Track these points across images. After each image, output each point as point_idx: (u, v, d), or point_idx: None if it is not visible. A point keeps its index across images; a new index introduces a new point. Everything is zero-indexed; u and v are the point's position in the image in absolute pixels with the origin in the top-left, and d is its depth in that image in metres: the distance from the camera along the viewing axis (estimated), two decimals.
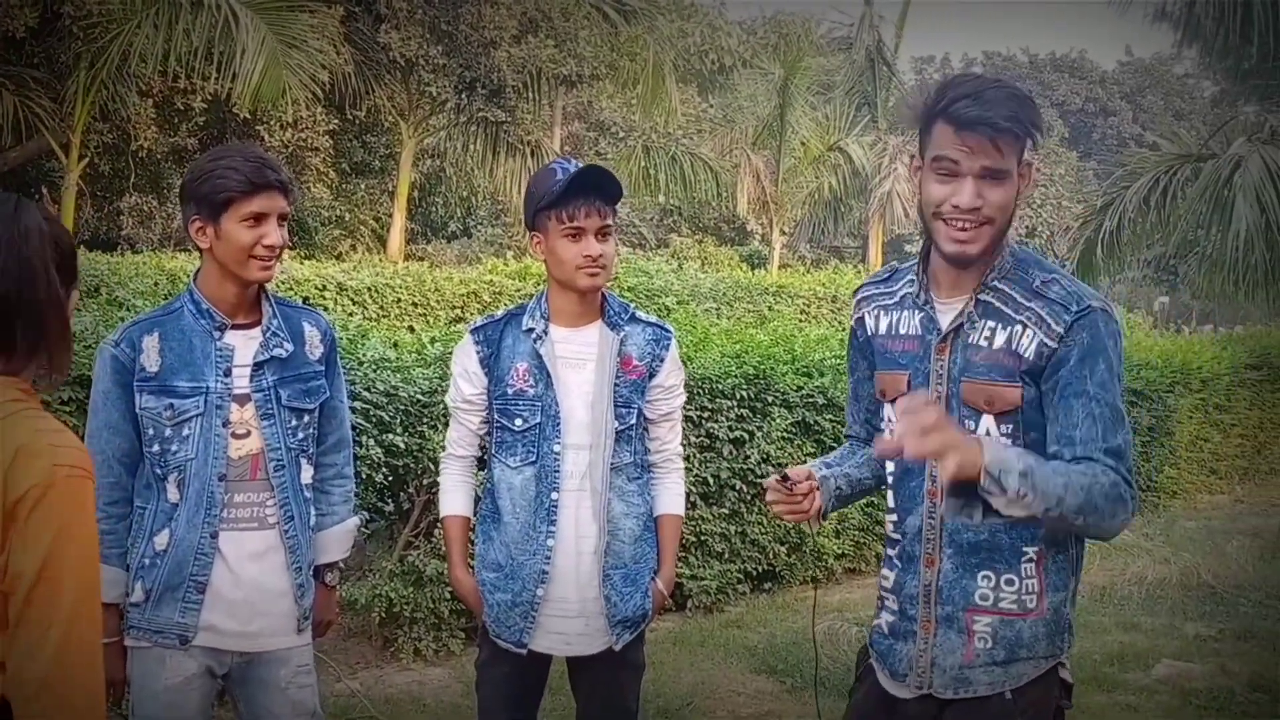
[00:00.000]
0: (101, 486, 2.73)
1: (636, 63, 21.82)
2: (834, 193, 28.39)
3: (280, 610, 3.10)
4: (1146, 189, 13.36)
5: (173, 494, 3.01)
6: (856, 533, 7.95)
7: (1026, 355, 2.49)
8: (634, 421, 3.36)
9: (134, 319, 3.14)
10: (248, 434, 3.05)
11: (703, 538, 7.02)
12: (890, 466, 2.72)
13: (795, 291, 19.75)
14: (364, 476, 5.54)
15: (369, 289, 14.49)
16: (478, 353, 3.39)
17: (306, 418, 3.15)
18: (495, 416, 3.38)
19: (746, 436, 7.19)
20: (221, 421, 3.02)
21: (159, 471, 3.02)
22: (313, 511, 3.21)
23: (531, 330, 3.34)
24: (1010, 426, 2.53)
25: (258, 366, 3.07)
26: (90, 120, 16.25)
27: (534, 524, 3.31)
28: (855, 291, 2.90)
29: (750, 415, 7.24)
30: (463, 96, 20.89)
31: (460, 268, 18.80)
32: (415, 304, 14.83)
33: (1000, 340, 2.52)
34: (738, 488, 7.14)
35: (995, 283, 2.55)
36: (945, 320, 2.59)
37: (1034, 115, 2.49)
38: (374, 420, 5.69)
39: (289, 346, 3.12)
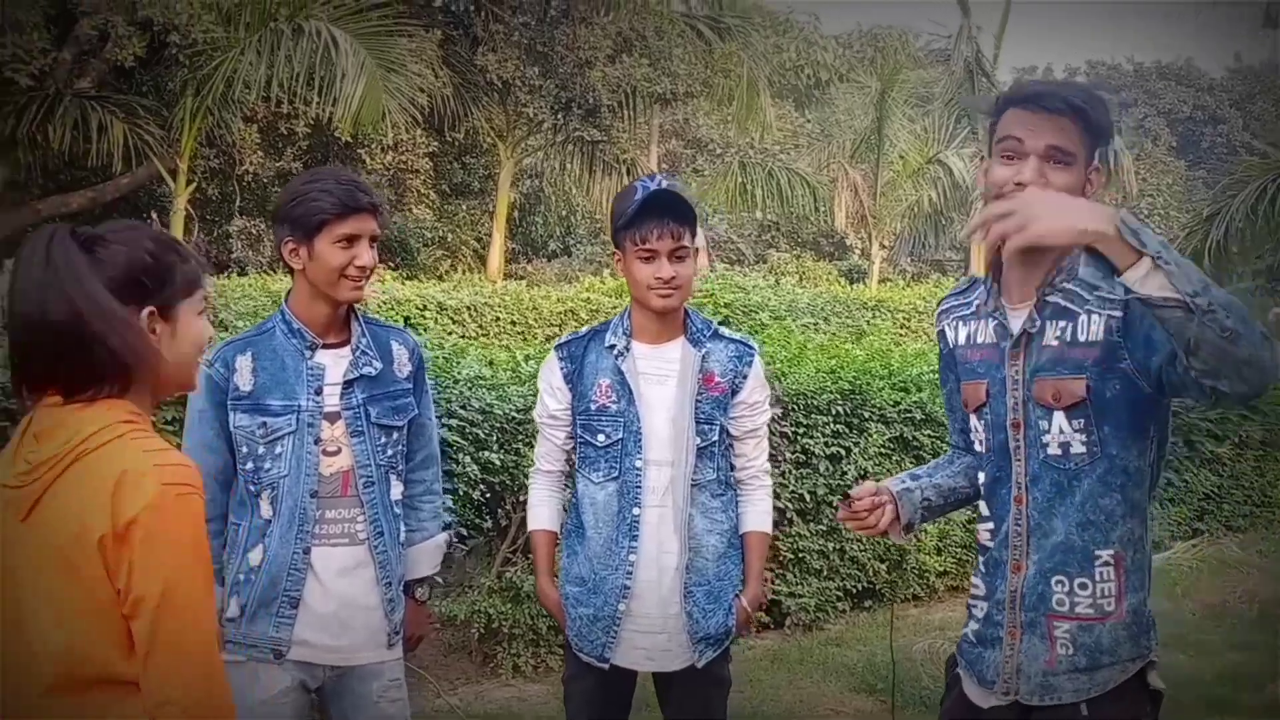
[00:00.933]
0: None
1: (731, 79, 21.78)
2: (934, 206, 28.04)
3: (370, 625, 3.14)
4: (1254, 197, 13.05)
5: (266, 510, 3.06)
6: (959, 550, 7.82)
7: (1095, 339, 2.44)
8: (716, 438, 3.34)
9: (227, 339, 3.21)
10: (338, 451, 3.10)
11: (800, 555, 6.96)
12: (982, 477, 2.70)
13: (894, 306, 19.54)
14: (461, 493, 5.59)
15: (468, 308, 14.63)
16: (562, 368, 3.42)
17: (395, 434, 3.20)
18: (579, 432, 3.40)
19: (843, 452, 7.12)
20: (313, 439, 3.07)
21: (252, 488, 3.08)
22: (402, 527, 3.25)
23: (614, 347, 3.35)
24: (1081, 421, 2.49)
25: (348, 385, 3.12)
26: (197, 146, 16.60)
27: (616, 539, 3.31)
28: (938, 305, 2.89)
29: (847, 431, 7.17)
30: (559, 116, 21.06)
31: (558, 286, 18.92)
32: (513, 322, 14.93)
33: (1068, 336, 2.49)
34: (835, 504, 7.04)
35: (1064, 284, 2.51)
36: (1016, 325, 2.57)
37: (1105, 114, 2.46)
38: (470, 437, 5.72)
39: (378, 365, 3.17)
